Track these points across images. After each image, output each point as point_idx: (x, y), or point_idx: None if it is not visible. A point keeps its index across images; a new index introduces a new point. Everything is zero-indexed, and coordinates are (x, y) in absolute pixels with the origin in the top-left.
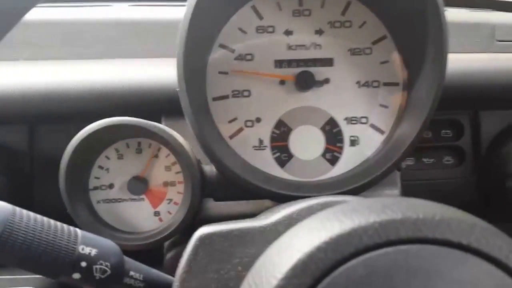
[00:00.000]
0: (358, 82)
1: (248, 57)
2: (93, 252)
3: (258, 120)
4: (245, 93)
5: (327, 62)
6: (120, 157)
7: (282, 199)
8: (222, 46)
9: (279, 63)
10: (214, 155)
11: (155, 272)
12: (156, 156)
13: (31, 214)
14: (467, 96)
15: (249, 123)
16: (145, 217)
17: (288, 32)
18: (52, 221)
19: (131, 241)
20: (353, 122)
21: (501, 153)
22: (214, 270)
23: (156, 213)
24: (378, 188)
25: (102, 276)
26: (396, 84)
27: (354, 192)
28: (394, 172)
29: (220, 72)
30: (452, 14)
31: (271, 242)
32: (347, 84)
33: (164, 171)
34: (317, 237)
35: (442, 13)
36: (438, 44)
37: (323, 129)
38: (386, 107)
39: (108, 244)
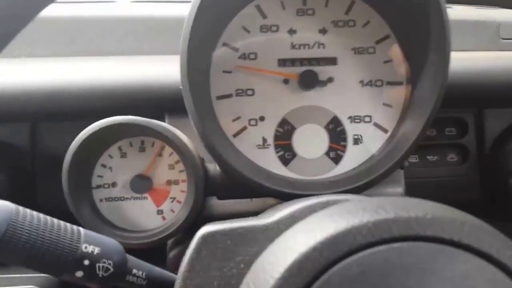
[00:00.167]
0: (361, 81)
1: (252, 56)
2: (96, 250)
3: (262, 118)
4: (249, 92)
5: (331, 61)
6: (123, 155)
7: (285, 197)
8: (226, 45)
9: (282, 62)
10: (218, 154)
11: (157, 270)
12: (160, 154)
13: (34, 213)
14: (471, 94)
15: (252, 122)
16: (148, 215)
17: (292, 31)
18: (55, 220)
19: (134, 240)
20: (356, 121)
21: (505, 151)
22: (217, 268)
23: (159, 212)
24: (381, 186)
25: (105, 274)
26: (400, 83)
27: (358, 190)
28: (397, 170)
29: (224, 71)
30: (457, 12)
31: (273, 240)
32: (350, 83)
33: (167, 170)
34: (313, 238)
35: (445, 12)
36: (441, 43)
37: (326, 127)
38: (389, 106)
39: (111, 242)
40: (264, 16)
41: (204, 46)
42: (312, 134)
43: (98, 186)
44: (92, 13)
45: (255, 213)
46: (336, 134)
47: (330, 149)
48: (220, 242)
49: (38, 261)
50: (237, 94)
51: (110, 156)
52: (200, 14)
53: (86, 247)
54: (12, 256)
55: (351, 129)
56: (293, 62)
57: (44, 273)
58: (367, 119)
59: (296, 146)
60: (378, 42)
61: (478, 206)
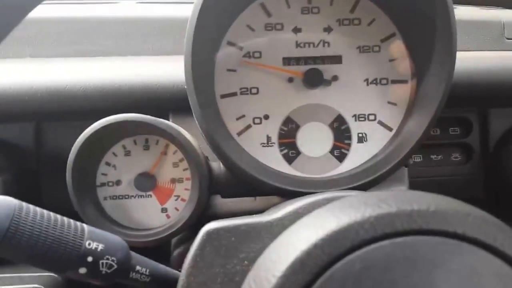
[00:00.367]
0: (366, 80)
1: (256, 54)
2: (100, 247)
3: (266, 117)
4: (253, 90)
5: (336, 59)
6: (128, 153)
7: (289, 195)
8: (230, 43)
9: (287, 61)
10: (222, 152)
11: (161, 267)
12: (164, 152)
13: (38, 209)
14: (476, 94)
15: (257, 120)
16: (153, 213)
17: (296, 30)
18: (58, 216)
19: (138, 238)
20: (361, 119)
21: (509, 150)
22: (220, 265)
23: (164, 210)
24: (385, 185)
25: (109, 271)
26: (405, 81)
27: (362, 188)
28: (401, 168)
29: (228, 70)
30: (462, 12)
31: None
32: (355, 82)
33: (171, 168)
34: (314, 234)
35: (451, 10)
36: (447, 42)
37: (331, 126)
38: (394, 104)
39: (115, 239)
40: (268, 15)
41: (208, 45)
42: (316, 132)
43: (102, 184)
44: (96, 14)
45: (259, 212)
46: (341, 132)
47: (335, 147)
48: (224, 238)
49: (41, 258)
50: (241, 93)
51: (115, 154)
52: (204, 12)
53: (89, 244)
54: (15, 253)
55: (355, 128)
56: (297, 60)
57: (47, 270)
58: (371, 117)
59: (301, 144)
60: (383, 40)
61: (481, 206)
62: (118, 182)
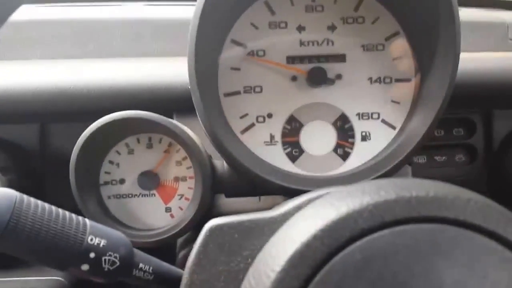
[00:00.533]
0: (370, 78)
1: (260, 53)
2: (102, 242)
3: (270, 115)
4: (257, 89)
5: (340, 58)
6: (131, 152)
7: (293, 193)
8: (234, 42)
9: (291, 59)
10: (225, 150)
11: (164, 265)
12: (167, 151)
13: (39, 202)
14: (480, 95)
15: (260, 119)
16: (157, 213)
17: (300, 28)
18: (60, 210)
19: (141, 238)
20: (364, 117)
21: None
22: (224, 262)
23: (168, 209)
24: None
25: (111, 268)
26: (408, 80)
27: None
28: (405, 166)
29: (232, 68)
30: (465, 13)
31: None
32: (359, 80)
33: (175, 166)
34: (313, 225)
35: (456, 9)
36: (451, 40)
37: (334, 124)
38: (397, 103)
39: (118, 235)
40: (272, 13)
41: (212, 43)
42: (320, 131)
43: (106, 183)
44: (102, 16)
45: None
46: (344, 131)
47: (338, 145)
48: (227, 235)
49: (42, 253)
50: (245, 91)
51: (118, 153)
52: (207, 11)
53: (92, 239)
54: (16, 246)
55: (359, 126)
56: (301, 59)
57: (48, 266)
58: (375, 116)
59: (304, 143)
60: (387, 39)
61: None
62: (121, 181)
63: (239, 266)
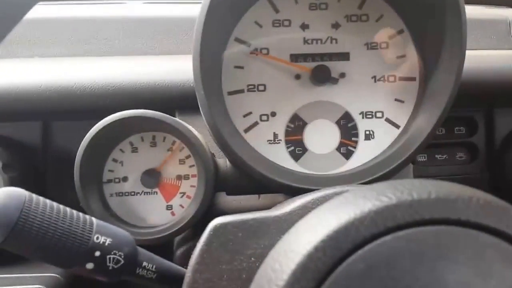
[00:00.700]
0: (374, 77)
1: (264, 51)
2: (108, 241)
3: (273, 114)
4: (260, 88)
5: (344, 56)
6: (135, 150)
7: (296, 192)
8: (238, 40)
9: (295, 58)
10: (229, 148)
11: (167, 263)
12: (171, 149)
13: (47, 201)
14: (482, 93)
15: (264, 117)
16: (158, 210)
17: (304, 26)
18: (68, 209)
19: (142, 236)
20: (368, 116)
21: None
22: (227, 262)
23: (169, 207)
24: None
25: (115, 266)
26: (413, 78)
27: None
28: (408, 165)
29: (235, 66)
30: (468, 11)
31: (285, 233)
32: (363, 79)
33: (177, 165)
34: (314, 236)
35: (462, 7)
36: (457, 39)
37: (338, 123)
38: (401, 101)
39: (122, 234)
40: (276, 11)
41: (216, 41)
42: (323, 129)
43: (109, 181)
44: (104, 14)
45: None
46: (348, 129)
47: (341, 144)
48: (231, 234)
49: (49, 251)
50: (248, 90)
51: (122, 151)
52: (212, 10)
53: (97, 238)
54: (24, 244)
55: (362, 125)
56: (305, 57)
57: (54, 264)
58: (379, 114)
59: (307, 141)
60: (391, 37)
61: None
62: (124, 179)
63: (242, 265)
